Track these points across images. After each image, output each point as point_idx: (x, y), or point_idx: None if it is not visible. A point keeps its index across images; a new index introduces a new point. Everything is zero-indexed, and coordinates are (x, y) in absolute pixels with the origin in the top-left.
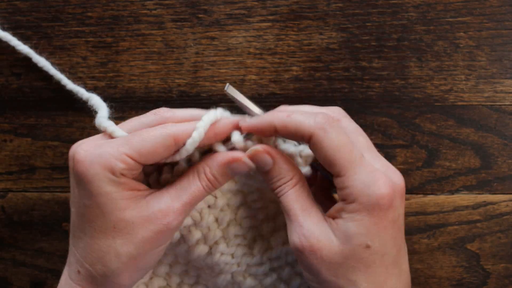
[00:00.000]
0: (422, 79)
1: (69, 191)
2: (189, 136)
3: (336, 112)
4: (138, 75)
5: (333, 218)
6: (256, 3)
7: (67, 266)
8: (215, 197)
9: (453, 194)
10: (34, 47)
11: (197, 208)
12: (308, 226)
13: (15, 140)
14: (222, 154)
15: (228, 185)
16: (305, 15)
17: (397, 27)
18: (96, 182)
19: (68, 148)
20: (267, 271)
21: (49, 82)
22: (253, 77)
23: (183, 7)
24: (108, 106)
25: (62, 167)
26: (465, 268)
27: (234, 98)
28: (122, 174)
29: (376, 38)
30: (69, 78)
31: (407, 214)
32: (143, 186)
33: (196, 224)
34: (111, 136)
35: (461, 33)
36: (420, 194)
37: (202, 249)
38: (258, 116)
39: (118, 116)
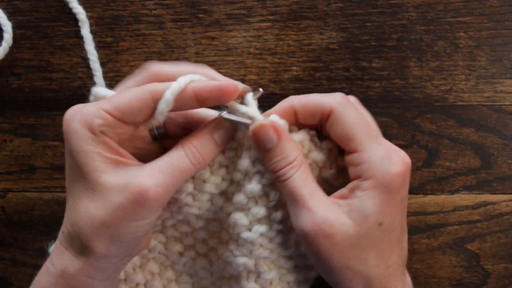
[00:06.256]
0: (422, 79)
1: None
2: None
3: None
4: None
5: (345, 198)
6: (256, 3)
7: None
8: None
9: (453, 194)
10: (34, 47)
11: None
12: (320, 211)
13: (15, 140)
14: (205, 122)
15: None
16: (305, 15)
17: (397, 27)
18: (75, 139)
19: None
20: (292, 268)
21: (49, 82)
22: (253, 77)
23: (183, 7)
24: None
25: (62, 167)
26: (465, 268)
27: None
28: (102, 132)
29: (376, 38)
30: (69, 78)
31: (407, 214)
32: (130, 156)
33: (240, 187)
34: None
35: (461, 33)
36: (420, 194)
37: (240, 219)
38: (278, 104)
39: None
